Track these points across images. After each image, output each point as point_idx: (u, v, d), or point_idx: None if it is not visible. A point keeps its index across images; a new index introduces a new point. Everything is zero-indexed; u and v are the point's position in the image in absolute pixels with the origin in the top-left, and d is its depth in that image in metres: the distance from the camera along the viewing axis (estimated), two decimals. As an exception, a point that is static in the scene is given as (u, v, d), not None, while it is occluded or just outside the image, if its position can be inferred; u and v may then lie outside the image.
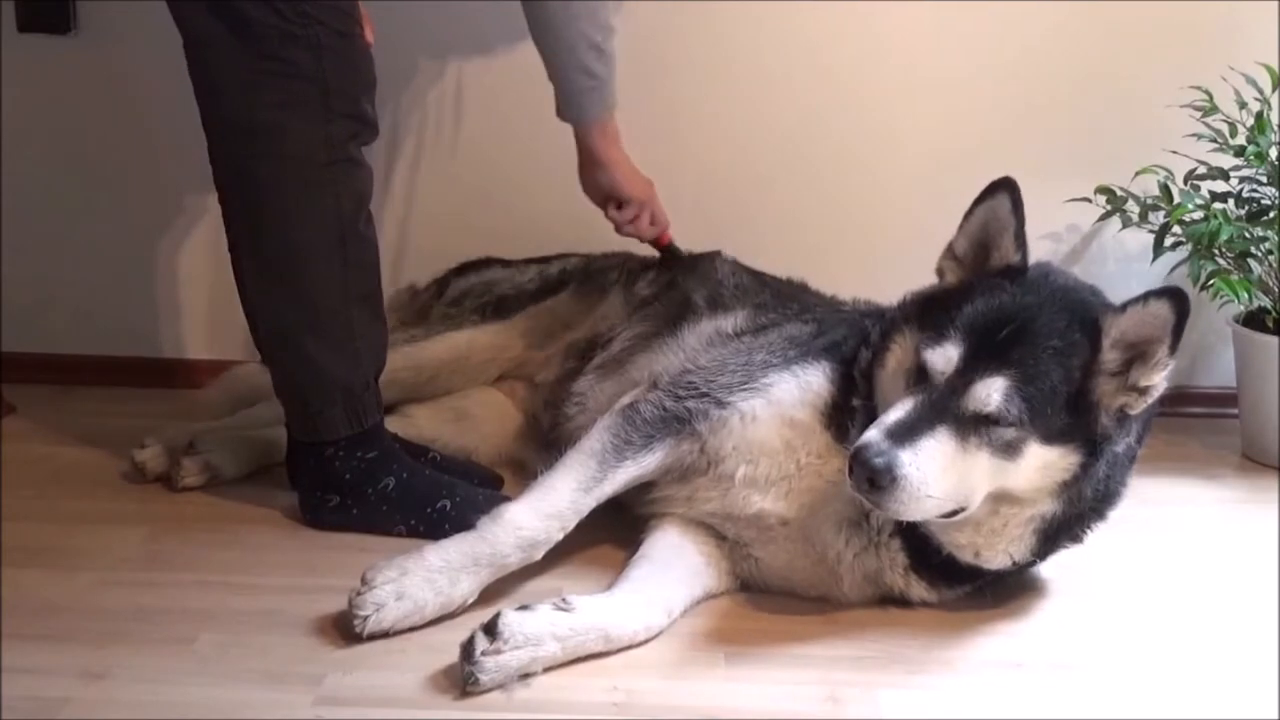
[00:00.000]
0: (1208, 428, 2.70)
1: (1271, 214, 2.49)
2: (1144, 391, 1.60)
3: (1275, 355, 2.49)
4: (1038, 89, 2.72)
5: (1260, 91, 2.51)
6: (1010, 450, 1.57)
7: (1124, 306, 1.59)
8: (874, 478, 1.51)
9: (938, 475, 1.53)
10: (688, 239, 2.44)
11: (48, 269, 2.72)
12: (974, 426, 1.55)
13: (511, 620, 1.49)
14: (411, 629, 1.59)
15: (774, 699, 1.51)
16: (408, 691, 1.48)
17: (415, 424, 2.22)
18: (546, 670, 1.52)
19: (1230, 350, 2.65)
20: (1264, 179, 2.53)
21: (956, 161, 2.72)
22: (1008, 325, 1.58)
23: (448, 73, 2.68)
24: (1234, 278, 2.45)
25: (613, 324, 2.24)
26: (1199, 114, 2.52)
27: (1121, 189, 2.59)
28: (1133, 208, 2.58)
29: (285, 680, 1.48)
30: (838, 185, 2.75)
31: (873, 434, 1.54)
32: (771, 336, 1.90)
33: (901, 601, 1.77)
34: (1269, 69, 2.52)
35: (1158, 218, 2.56)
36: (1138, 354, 1.59)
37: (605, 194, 2.29)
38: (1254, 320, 2.57)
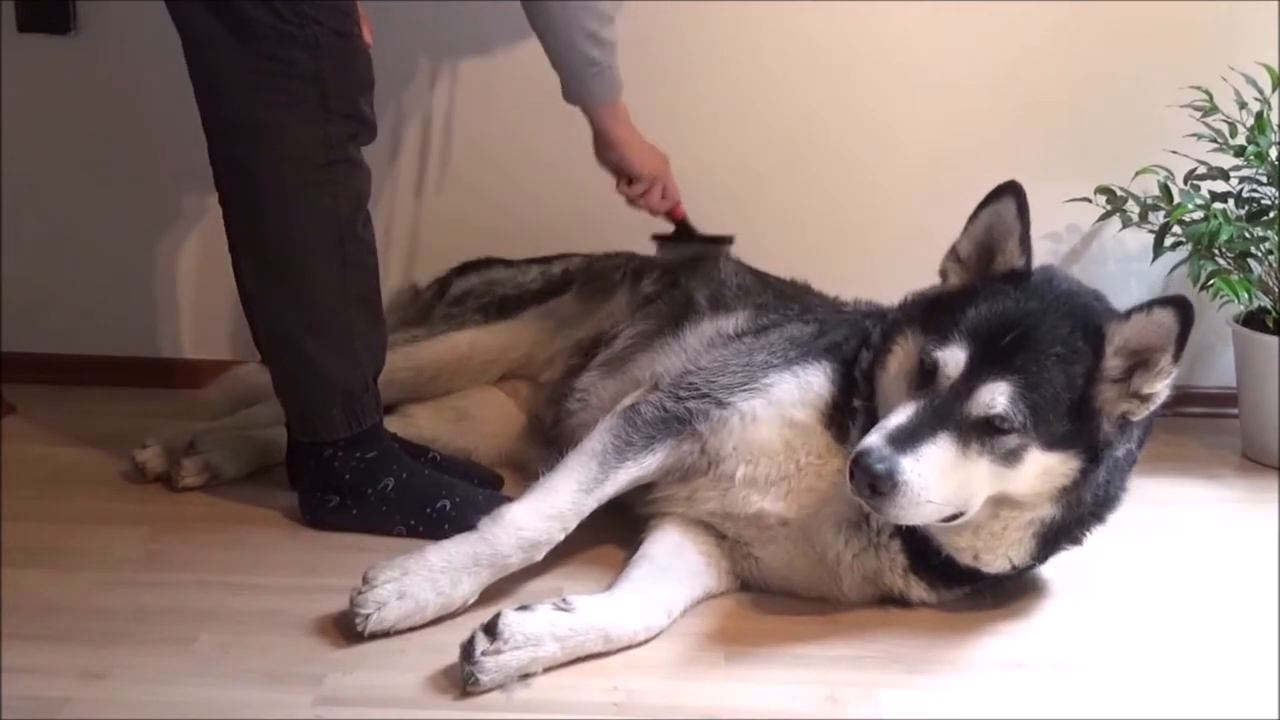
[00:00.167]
0: (1208, 428, 2.70)
1: (1271, 214, 2.49)
2: (1146, 399, 1.60)
3: (1275, 355, 2.49)
4: (1038, 89, 2.72)
5: (1260, 91, 2.51)
6: (1011, 457, 1.57)
7: (1128, 314, 1.59)
8: (875, 484, 1.51)
9: (938, 481, 1.53)
10: (687, 239, 2.45)
11: (48, 269, 2.72)
12: (976, 433, 1.55)
13: (511, 620, 1.48)
14: (412, 629, 1.59)
15: (774, 699, 1.51)
16: (408, 691, 1.47)
17: (415, 424, 2.22)
18: (546, 670, 1.52)
19: (1230, 350, 2.65)
20: (1264, 179, 2.53)
21: (956, 161, 2.73)
22: (1011, 331, 1.57)
23: (449, 73, 2.68)
24: (1234, 278, 2.45)
25: (616, 321, 2.24)
26: (1199, 114, 2.52)
27: (1121, 189, 2.59)
28: (1133, 208, 2.58)
29: (285, 680, 1.48)
30: (838, 185, 2.75)
31: (874, 439, 1.54)
32: (773, 337, 1.90)
33: (901, 602, 1.77)
34: (1269, 69, 2.52)
35: (1158, 218, 2.57)
36: (1140, 361, 1.58)
37: (617, 170, 2.35)
38: (1254, 320, 2.57)
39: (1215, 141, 2.53)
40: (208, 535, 1.91)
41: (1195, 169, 2.58)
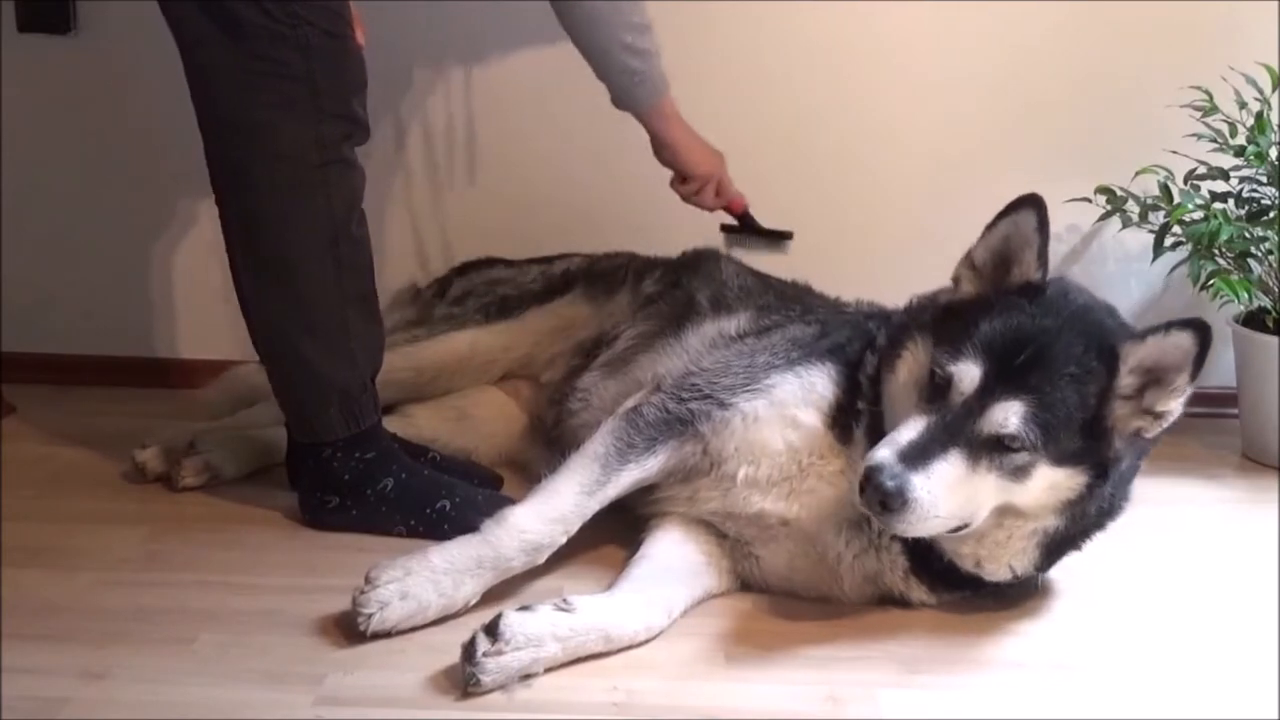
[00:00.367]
0: (1208, 428, 2.70)
1: (1271, 214, 2.49)
2: (1160, 416, 1.60)
3: (1275, 355, 2.49)
4: (1038, 89, 2.71)
5: (1260, 91, 2.51)
6: (1020, 473, 1.57)
7: (1144, 335, 1.59)
8: (886, 500, 1.51)
9: (947, 497, 1.53)
10: (686, 239, 2.44)
11: (48, 269, 2.72)
12: (986, 449, 1.55)
13: (513, 621, 1.49)
14: (413, 629, 1.59)
15: (774, 699, 1.51)
16: (409, 692, 1.48)
17: (415, 424, 2.22)
18: (547, 670, 1.52)
19: (1230, 350, 2.65)
20: (1264, 179, 2.53)
21: (957, 161, 2.73)
22: (1026, 349, 1.56)
23: (449, 73, 2.68)
24: (1234, 278, 2.45)
25: (618, 322, 2.24)
26: (1199, 114, 2.52)
27: (1121, 189, 2.59)
28: (1133, 208, 2.58)
29: (285, 680, 1.48)
30: (838, 185, 2.75)
31: (886, 454, 1.53)
32: (775, 338, 1.89)
33: (901, 602, 1.77)
34: (1269, 69, 2.52)
35: (1158, 218, 2.56)
36: (1153, 379, 1.59)
37: (670, 168, 2.38)
38: (1254, 320, 2.57)
39: (1215, 141, 2.52)
40: (208, 535, 1.91)
41: (1195, 169, 2.58)
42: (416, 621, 1.59)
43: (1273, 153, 2.49)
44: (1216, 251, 2.49)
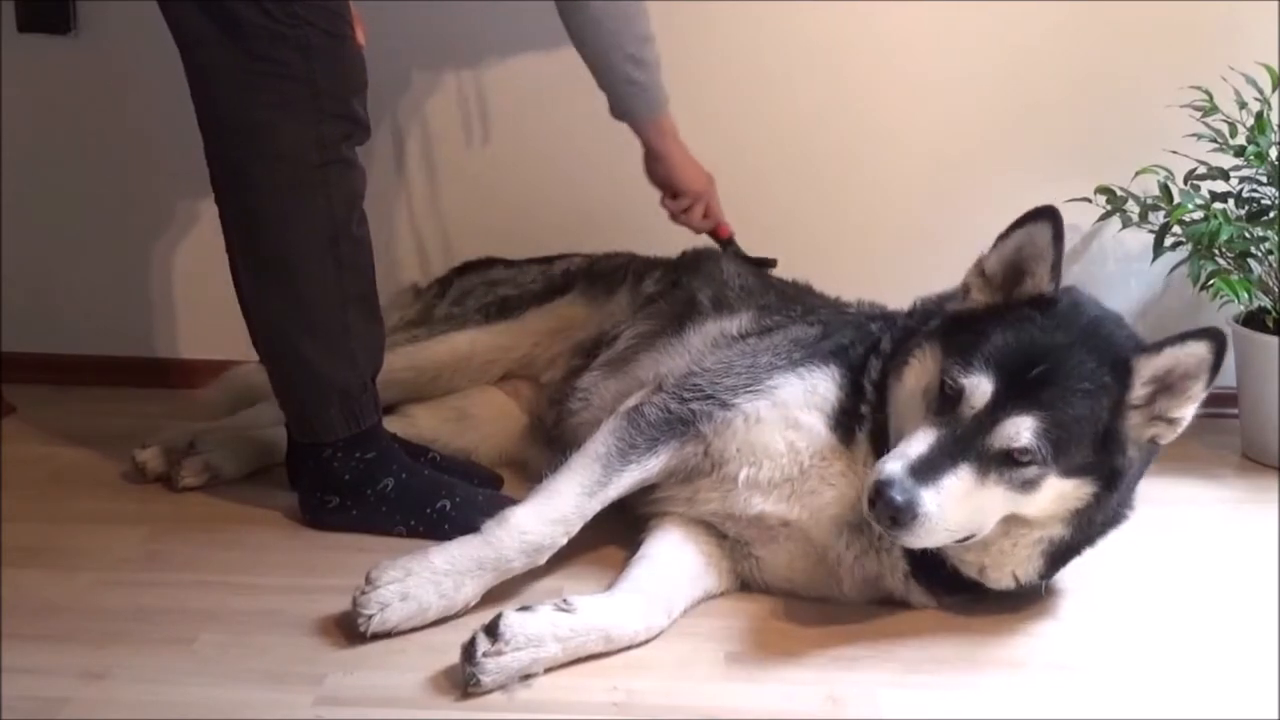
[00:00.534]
0: (1208, 428, 2.67)
1: (1271, 214, 2.49)
2: (1174, 422, 1.60)
3: (1275, 355, 2.49)
4: (1038, 89, 2.71)
5: (1260, 91, 2.51)
6: (1029, 485, 1.57)
7: (1159, 346, 1.58)
8: (896, 516, 1.50)
9: (955, 510, 1.53)
10: (686, 239, 2.45)
11: (48, 269, 2.72)
12: (995, 463, 1.55)
13: (513, 621, 1.49)
14: (413, 629, 1.59)
15: (774, 699, 1.51)
16: (409, 692, 1.48)
17: (415, 424, 2.22)
18: (547, 671, 1.52)
19: (1230, 350, 2.65)
20: (1264, 179, 2.53)
21: (957, 161, 2.73)
22: (1039, 364, 1.56)
23: (449, 73, 2.68)
24: (1234, 278, 2.45)
25: (618, 322, 2.24)
26: (1199, 114, 2.52)
27: (1121, 189, 2.59)
28: (1133, 208, 2.58)
29: (285, 680, 1.48)
30: (838, 185, 2.75)
31: (896, 469, 1.52)
32: (777, 339, 1.89)
33: (901, 602, 1.76)
34: (1269, 69, 2.52)
35: (1158, 218, 2.56)
36: (1165, 386, 1.59)
37: (662, 185, 2.39)
38: (1254, 320, 2.57)
39: (1215, 141, 2.52)
40: (208, 535, 1.91)
41: (1195, 169, 2.58)
42: (417, 622, 1.59)
43: (1273, 153, 2.49)
44: (1216, 251, 2.49)
